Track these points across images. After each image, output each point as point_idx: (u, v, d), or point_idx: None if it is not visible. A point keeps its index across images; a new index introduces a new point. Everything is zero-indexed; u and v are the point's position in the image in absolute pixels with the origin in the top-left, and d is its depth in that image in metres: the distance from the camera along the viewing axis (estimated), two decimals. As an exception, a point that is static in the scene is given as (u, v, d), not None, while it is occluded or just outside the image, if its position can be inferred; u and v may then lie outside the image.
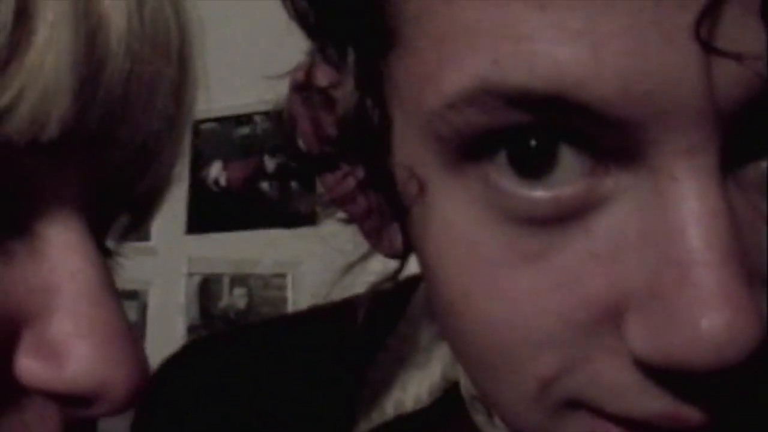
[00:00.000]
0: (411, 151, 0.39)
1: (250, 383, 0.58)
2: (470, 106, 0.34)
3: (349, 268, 0.49)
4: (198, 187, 2.10)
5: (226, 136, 2.12)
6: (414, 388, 0.52)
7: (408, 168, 0.39)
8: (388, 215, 0.43)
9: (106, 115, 0.32)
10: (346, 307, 0.58)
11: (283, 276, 2.02)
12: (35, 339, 0.33)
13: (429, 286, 0.41)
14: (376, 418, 0.52)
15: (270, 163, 2.05)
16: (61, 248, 0.33)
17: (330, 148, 0.44)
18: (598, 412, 0.36)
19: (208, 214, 2.11)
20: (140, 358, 0.34)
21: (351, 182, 0.44)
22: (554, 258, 0.35)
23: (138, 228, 0.40)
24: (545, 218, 0.35)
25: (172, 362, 0.63)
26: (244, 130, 2.10)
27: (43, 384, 0.33)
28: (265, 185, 2.07)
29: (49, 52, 0.30)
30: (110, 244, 0.39)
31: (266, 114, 2.05)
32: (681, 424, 0.35)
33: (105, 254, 0.37)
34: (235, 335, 0.66)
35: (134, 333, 0.34)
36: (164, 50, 0.34)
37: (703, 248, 0.32)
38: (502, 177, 0.35)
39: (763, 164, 0.34)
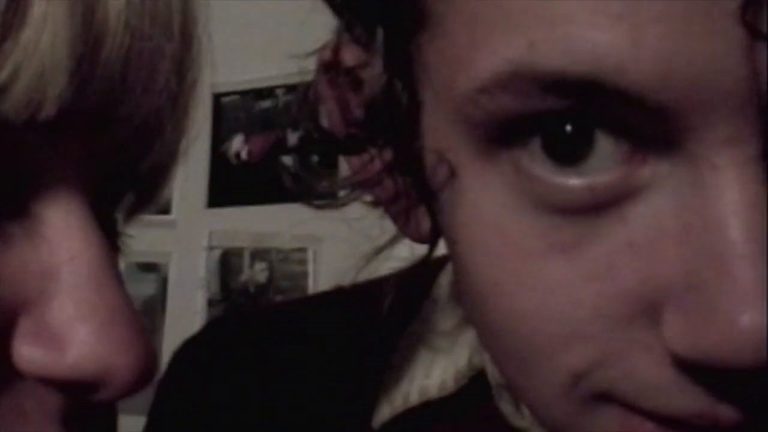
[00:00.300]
0: (441, 135, 0.38)
1: (274, 365, 0.58)
2: (503, 91, 0.33)
3: (377, 252, 0.48)
4: (219, 161, 2.10)
5: (247, 109, 2.12)
6: (439, 374, 0.51)
7: (438, 152, 0.38)
8: (416, 199, 0.42)
9: (105, 93, 0.31)
10: (371, 288, 0.57)
11: (304, 250, 2.02)
12: (34, 324, 0.32)
13: (457, 273, 0.41)
14: (400, 403, 0.51)
15: (292, 137, 2.05)
16: (60, 230, 0.32)
17: (356, 130, 0.43)
18: (630, 407, 0.35)
19: (229, 187, 2.11)
20: (144, 341, 0.33)
21: (378, 165, 0.43)
22: (588, 248, 0.34)
23: (145, 206, 0.39)
24: (579, 207, 0.34)
25: (194, 342, 0.62)
26: (266, 104, 2.10)
27: (43, 371, 0.32)
28: (286, 159, 2.07)
29: (45, 29, 0.29)
30: (118, 223, 0.38)
31: (288, 87, 2.04)
32: (717, 424, 0.34)
33: (111, 234, 0.37)
34: (258, 315, 0.66)
35: (138, 316, 0.33)
36: (165, 25, 0.33)
37: (744, 241, 0.31)
38: (536, 163, 0.34)
39: None
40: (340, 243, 0.57)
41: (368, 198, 0.47)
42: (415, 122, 0.39)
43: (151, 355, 0.33)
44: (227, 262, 2.11)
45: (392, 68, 0.39)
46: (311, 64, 0.46)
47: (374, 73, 0.40)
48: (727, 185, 0.31)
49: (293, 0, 0.48)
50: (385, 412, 0.51)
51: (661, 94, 0.31)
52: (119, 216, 0.38)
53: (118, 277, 0.33)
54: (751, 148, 0.31)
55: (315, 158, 2.17)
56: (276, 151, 2.08)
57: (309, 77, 0.47)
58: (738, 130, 0.31)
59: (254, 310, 0.98)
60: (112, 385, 0.32)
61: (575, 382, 0.36)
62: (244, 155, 2.11)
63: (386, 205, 0.45)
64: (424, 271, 0.54)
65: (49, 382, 0.32)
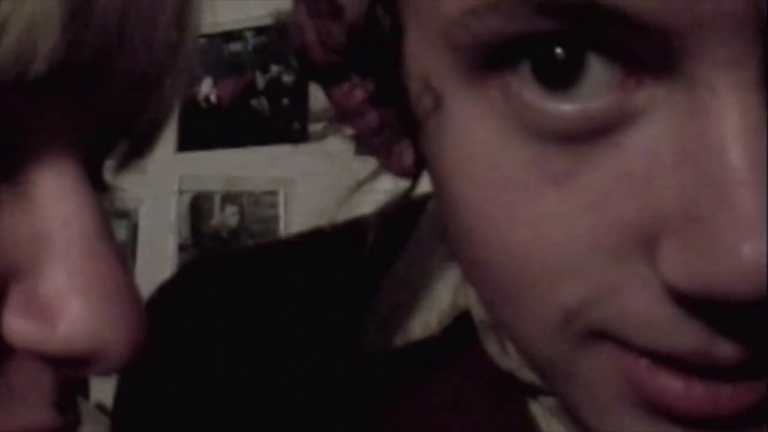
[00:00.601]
0: (426, 61, 0.36)
1: (251, 307, 0.57)
2: (494, 13, 0.32)
3: (353, 189, 0.48)
4: (188, 105, 2.09)
5: (216, 52, 2.10)
6: (422, 315, 0.50)
7: (422, 79, 0.36)
8: (399, 131, 0.41)
9: (100, 47, 0.29)
10: (350, 229, 0.56)
11: (274, 193, 2.02)
12: (24, 295, 0.30)
13: (443, 208, 0.39)
14: (383, 346, 0.50)
15: (261, 80, 2.04)
16: (52, 195, 0.30)
17: (338, 59, 0.42)
18: (625, 344, 0.34)
19: (199, 131, 2.10)
20: (139, 314, 0.31)
21: (360, 95, 0.42)
22: (582, 178, 0.33)
23: (139, 157, 0.37)
24: (572, 134, 0.33)
25: (168, 288, 0.62)
26: (235, 47, 2.08)
27: (33, 344, 0.30)
28: (256, 102, 2.05)
29: None
30: (106, 175, 0.36)
31: (257, 30, 2.03)
32: (713, 362, 0.33)
33: (100, 189, 0.35)
34: (233, 258, 0.65)
35: (132, 286, 0.32)
36: None
37: (745, 167, 0.29)
38: (526, 89, 0.33)
39: None
40: (312, 185, 0.57)
41: (342, 134, 0.46)
42: (398, 48, 0.38)
43: (144, 329, 0.31)
44: (198, 207, 2.10)
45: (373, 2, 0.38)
46: (280, 5, 0.45)
47: (354, 11, 0.39)
48: (727, 110, 0.30)
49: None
50: (368, 355, 0.51)
51: (659, 15, 0.30)
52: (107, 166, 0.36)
53: (113, 244, 0.32)
54: (752, 72, 0.30)
55: (285, 101, 2.16)
56: (245, 94, 2.06)
57: (278, 19, 0.46)
58: (739, 53, 0.30)
59: (229, 253, 0.97)
60: (105, 360, 0.31)
61: (568, 320, 0.35)
62: (213, 99, 2.10)
63: (368, 137, 0.44)
64: (406, 210, 0.53)
65: (41, 356, 0.30)
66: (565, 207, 0.33)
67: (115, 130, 0.34)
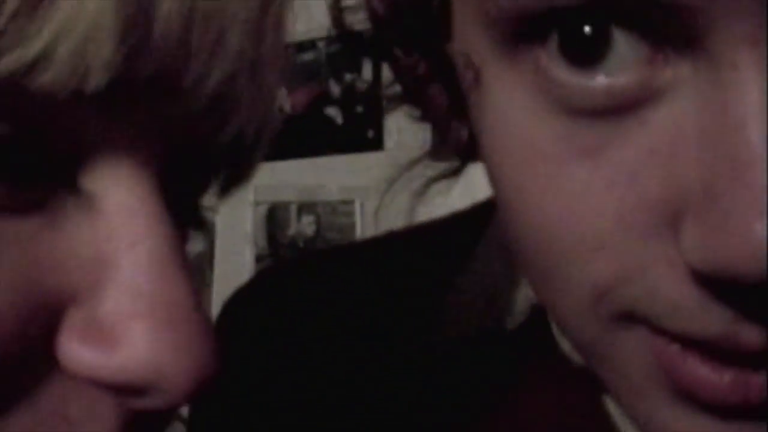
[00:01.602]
0: (467, 36, 0.37)
1: (326, 311, 0.57)
2: None
3: (426, 188, 0.48)
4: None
5: (289, 63, 2.10)
6: (496, 313, 0.50)
7: (465, 55, 0.37)
8: (453, 107, 0.41)
9: (163, 60, 0.28)
10: (423, 231, 0.56)
11: (350, 202, 2.02)
12: (83, 319, 0.28)
13: (491, 183, 0.39)
14: (456, 343, 0.51)
15: (335, 88, 2.04)
16: (120, 212, 0.29)
17: (392, 33, 0.43)
18: (655, 328, 0.34)
19: (273, 141, 2.10)
20: (206, 344, 0.29)
21: (421, 69, 0.43)
22: (609, 153, 0.33)
23: (237, 183, 0.36)
24: (599, 110, 0.33)
25: (245, 292, 0.61)
26: (308, 56, 2.08)
27: (90, 371, 0.28)
28: (330, 111, 2.06)
29: None
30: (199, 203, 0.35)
31: (329, 39, 2.03)
32: (739, 347, 0.32)
33: (185, 216, 0.34)
34: (306, 262, 0.65)
35: (202, 314, 0.30)
36: None
37: (762, 144, 0.29)
38: (554, 64, 0.33)
39: None
40: (387, 194, 0.56)
41: (413, 113, 0.46)
42: (447, 24, 0.38)
43: (213, 360, 0.30)
44: (274, 217, 2.11)
45: None
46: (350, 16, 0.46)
47: None
48: (748, 86, 0.30)
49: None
50: (439, 353, 0.51)
51: None
52: (207, 193, 0.35)
53: (183, 268, 0.30)
54: None
55: (359, 109, 2.16)
56: (319, 103, 2.07)
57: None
58: (758, 29, 0.29)
59: (302, 257, 0.98)
60: (166, 391, 0.29)
61: (599, 298, 0.35)
62: (287, 108, 2.10)
63: (427, 113, 0.44)
64: (479, 211, 0.54)
65: (98, 384, 0.29)
66: (593, 183, 0.33)
67: (194, 151, 0.32)
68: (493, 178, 0.38)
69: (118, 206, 0.29)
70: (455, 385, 0.51)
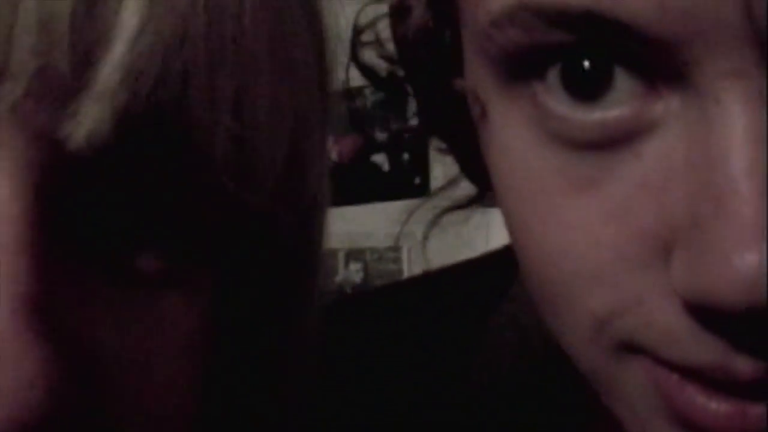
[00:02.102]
0: (473, 71, 0.38)
1: (360, 354, 0.57)
2: (512, 25, 0.33)
3: (440, 217, 0.49)
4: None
5: (335, 110, 2.12)
6: (528, 352, 0.51)
7: (472, 90, 0.38)
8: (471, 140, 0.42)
9: None
10: (458, 271, 0.57)
11: (398, 249, 2.02)
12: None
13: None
14: (489, 383, 0.51)
15: (381, 136, 2.05)
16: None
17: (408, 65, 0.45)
18: (655, 358, 0.35)
19: (323, 189, 2.11)
20: (28, 387, 0.27)
21: (438, 104, 0.45)
22: (605, 187, 0.34)
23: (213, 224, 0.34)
24: (595, 142, 0.34)
25: None
26: (355, 104, 2.10)
27: None
28: (376, 158, 2.06)
29: None
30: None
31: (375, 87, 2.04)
32: (733, 377, 0.32)
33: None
34: (341, 305, 0.65)
35: (41, 358, 0.28)
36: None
37: (744, 177, 0.30)
38: (552, 98, 0.34)
39: None
40: (434, 240, 0.57)
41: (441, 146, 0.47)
42: (458, 60, 0.39)
43: (31, 402, 0.27)
44: (322, 264, 2.11)
45: (435, 7, 0.41)
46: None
47: (419, 14, 0.41)
48: (730, 120, 0.30)
49: (380, 3, 0.48)
50: (475, 387, 0.51)
51: (658, 25, 0.30)
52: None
53: (27, 302, 0.28)
54: (756, 83, 0.30)
55: (406, 156, 2.17)
56: (366, 151, 2.08)
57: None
58: (741, 63, 0.30)
59: (343, 299, 0.99)
60: None
61: (599, 329, 0.35)
62: (334, 156, 2.11)
63: (451, 146, 0.46)
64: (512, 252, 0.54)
65: None
66: (591, 215, 0.34)
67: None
68: (502, 210, 0.39)
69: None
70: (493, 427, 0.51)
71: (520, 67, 0.35)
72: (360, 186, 2.05)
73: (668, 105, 0.33)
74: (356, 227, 2.06)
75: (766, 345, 0.32)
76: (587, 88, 0.33)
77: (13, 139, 0.29)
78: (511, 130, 0.36)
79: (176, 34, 0.30)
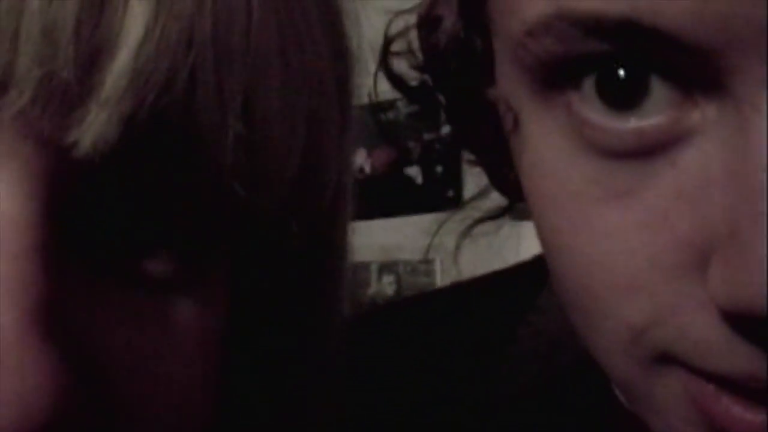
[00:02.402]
0: (506, 81, 0.38)
1: (390, 363, 0.57)
2: (547, 34, 0.33)
3: (472, 228, 0.49)
4: (343, 176, 2.11)
5: (368, 123, 2.12)
6: (559, 362, 0.50)
7: (505, 99, 0.38)
8: (500, 150, 0.42)
9: None
10: (487, 281, 0.57)
11: (431, 261, 2.02)
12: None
13: (535, 225, 0.40)
14: (516, 393, 0.51)
15: (414, 148, 2.05)
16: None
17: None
18: (691, 369, 0.34)
19: (354, 202, 2.12)
20: (37, 388, 0.27)
21: (469, 114, 0.45)
22: (641, 195, 0.34)
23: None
24: (631, 151, 0.33)
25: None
26: (387, 116, 2.10)
27: None
28: (410, 170, 2.06)
29: None
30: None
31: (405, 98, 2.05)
32: None
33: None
34: (371, 314, 0.66)
35: (52, 357, 0.28)
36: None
37: None
38: (587, 107, 0.34)
39: None
40: (466, 251, 0.56)
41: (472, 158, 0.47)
42: (490, 70, 0.39)
43: (42, 402, 0.27)
44: (354, 277, 2.11)
45: (466, 17, 0.41)
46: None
47: (450, 24, 0.41)
48: (766, 128, 0.30)
49: (411, 13, 0.48)
50: (501, 398, 0.51)
51: (696, 32, 0.30)
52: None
53: (39, 299, 0.28)
54: None
55: (439, 169, 2.17)
56: (399, 163, 2.08)
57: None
58: None
59: (373, 309, 0.99)
60: None
61: (635, 340, 0.35)
62: (367, 169, 2.12)
63: (481, 157, 0.46)
64: (540, 263, 0.54)
65: None
66: (626, 224, 0.34)
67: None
68: (535, 220, 0.39)
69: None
70: None
71: (555, 76, 0.35)
72: (393, 199, 2.05)
73: (705, 113, 0.32)
74: (389, 240, 2.06)
75: None
76: (623, 97, 0.33)
77: (19, 147, 0.29)
78: (545, 140, 0.36)
79: (182, 39, 0.30)
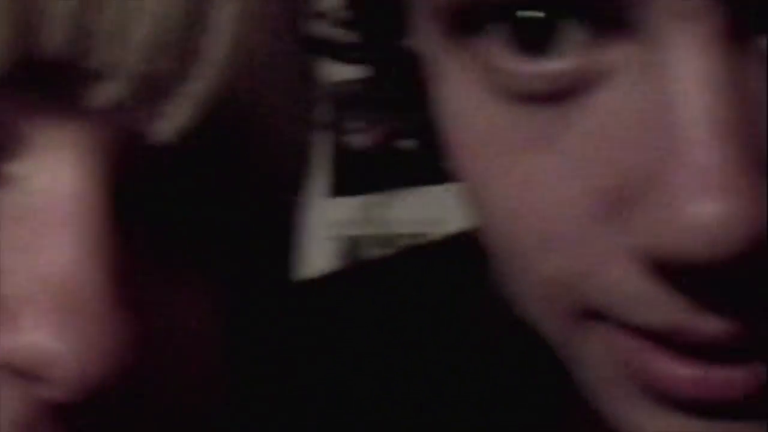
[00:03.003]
0: (420, 30, 0.37)
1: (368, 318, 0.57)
2: None
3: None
4: (340, 149, 2.11)
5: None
6: None
7: (420, 49, 0.38)
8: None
9: (62, 42, 0.30)
10: (455, 241, 0.57)
11: (426, 235, 2.01)
12: None
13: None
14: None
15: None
16: (44, 195, 0.31)
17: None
18: (618, 323, 0.34)
19: (351, 176, 2.11)
20: (114, 337, 0.29)
21: (384, 66, 0.45)
22: (559, 142, 0.33)
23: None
24: (543, 96, 0.33)
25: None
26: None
27: None
28: (405, 143, 2.06)
29: None
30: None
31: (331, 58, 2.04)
32: (701, 340, 0.31)
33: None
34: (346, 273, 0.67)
35: (122, 308, 0.30)
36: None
37: (698, 124, 0.29)
38: (498, 52, 0.33)
39: None
40: (463, 225, 0.56)
41: None
42: (405, 19, 0.39)
43: (119, 353, 0.29)
44: (352, 251, 2.11)
45: None
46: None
47: None
48: (682, 64, 0.29)
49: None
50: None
51: None
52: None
53: (108, 260, 0.30)
54: (709, 23, 0.29)
55: (434, 141, 2.16)
56: (394, 137, 2.07)
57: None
58: (695, 4, 0.29)
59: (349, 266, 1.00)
60: (58, 380, 0.28)
61: (558, 295, 0.34)
62: (363, 142, 2.11)
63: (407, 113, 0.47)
64: None
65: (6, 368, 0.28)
66: (545, 173, 0.33)
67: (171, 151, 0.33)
68: (457, 175, 0.38)
69: (44, 189, 0.30)
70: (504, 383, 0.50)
71: (464, 22, 0.34)
72: (389, 172, 2.05)
73: (618, 53, 0.32)
74: (388, 213, 2.05)
75: (730, 304, 0.31)
76: (533, 40, 0.32)
77: (101, 132, 0.31)
78: (459, 89, 0.35)
79: (265, 52, 0.33)
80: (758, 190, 0.28)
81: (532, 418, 0.49)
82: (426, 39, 0.37)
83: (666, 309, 0.32)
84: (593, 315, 0.34)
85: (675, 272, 0.30)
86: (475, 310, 0.52)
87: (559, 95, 0.32)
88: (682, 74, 0.29)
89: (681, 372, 0.32)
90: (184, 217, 0.35)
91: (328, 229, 2.12)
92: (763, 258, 0.29)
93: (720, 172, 0.28)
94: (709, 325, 0.31)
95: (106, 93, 0.30)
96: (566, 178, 0.33)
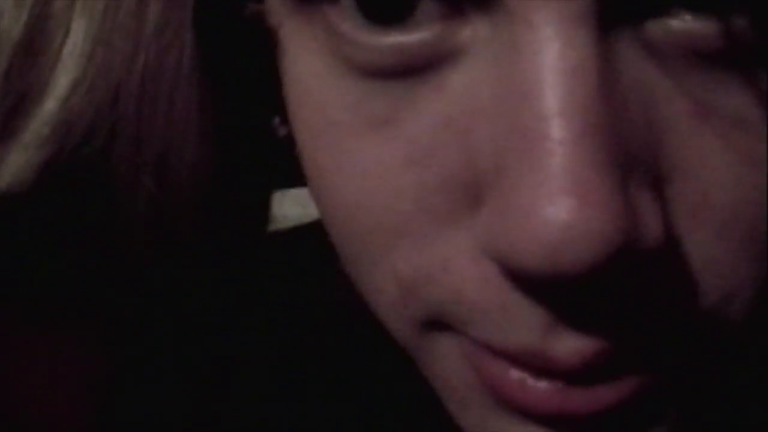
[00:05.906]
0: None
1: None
2: None
3: None
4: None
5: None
6: None
7: (264, 15, 0.34)
8: None
9: None
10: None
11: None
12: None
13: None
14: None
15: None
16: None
17: None
18: (469, 338, 0.31)
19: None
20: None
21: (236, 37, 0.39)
22: (405, 126, 0.29)
23: None
24: (391, 71, 0.29)
25: None
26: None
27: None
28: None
29: None
30: None
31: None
32: (552, 365, 0.29)
33: None
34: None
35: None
36: None
37: (555, 115, 0.25)
38: (346, 21, 0.29)
39: (682, 24, 0.27)
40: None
41: None
42: None
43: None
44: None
45: None
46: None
47: None
48: (543, 46, 0.25)
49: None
50: None
51: None
52: None
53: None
54: (577, 4, 0.25)
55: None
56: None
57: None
58: None
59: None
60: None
61: (405, 296, 0.31)
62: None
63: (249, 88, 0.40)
64: None
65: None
66: (389, 159, 0.30)
67: None
68: (300, 158, 0.34)
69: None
70: None
71: None
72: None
73: (476, 30, 0.28)
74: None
75: (586, 324, 0.28)
76: (385, 10, 0.29)
77: None
78: (304, 59, 0.32)
79: (109, 94, 0.30)
80: (617, 198, 0.25)
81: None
82: (275, 8, 0.33)
83: (517, 328, 0.28)
84: (442, 325, 0.31)
85: (524, 284, 0.27)
86: (321, 306, 0.48)
87: (407, 71, 0.29)
88: (542, 58, 0.25)
89: (538, 387, 0.29)
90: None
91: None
92: (626, 270, 0.26)
93: (574, 176, 0.24)
94: (565, 348, 0.28)
95: None
96: (413, 165, 0.29)
